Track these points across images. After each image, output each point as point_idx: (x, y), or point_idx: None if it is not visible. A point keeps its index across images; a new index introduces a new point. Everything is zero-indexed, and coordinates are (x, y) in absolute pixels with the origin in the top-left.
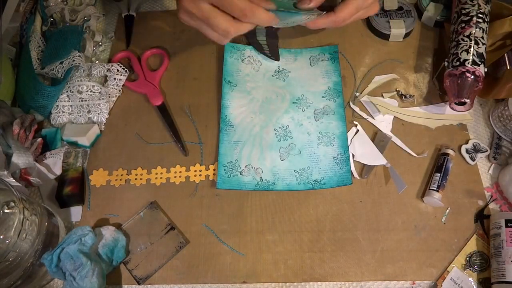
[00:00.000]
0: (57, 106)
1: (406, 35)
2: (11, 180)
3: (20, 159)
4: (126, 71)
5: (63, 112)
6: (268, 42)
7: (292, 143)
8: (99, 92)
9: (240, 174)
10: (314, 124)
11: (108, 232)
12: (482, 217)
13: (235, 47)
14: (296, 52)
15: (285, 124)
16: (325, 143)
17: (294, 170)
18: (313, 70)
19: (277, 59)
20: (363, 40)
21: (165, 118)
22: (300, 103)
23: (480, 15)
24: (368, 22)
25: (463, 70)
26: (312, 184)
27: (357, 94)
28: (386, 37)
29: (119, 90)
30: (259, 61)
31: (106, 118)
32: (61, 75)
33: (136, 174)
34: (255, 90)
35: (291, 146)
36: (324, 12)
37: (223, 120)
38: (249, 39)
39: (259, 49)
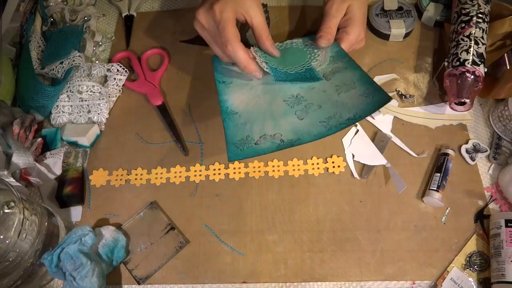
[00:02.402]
0: (57, 106)
1: (406, 35)
2: (11, 180)
3: (20, 159)
4: (126, 71)
5: (63, 112)
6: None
7: (308, 103)
8: (99, 92)
9: (255, 144)
10: (326, 83)
11: (108, 232)
12: (482, 217)
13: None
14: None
15: (295, 93)
16: (346, 90)
17: (319, 121)
18: (310, 50)
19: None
20: None
21: (165, 118)
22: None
23: (480, 15)
24: (368, 22)
25: (463, 70)
26: (345, 123)
27: None
28: (386, 37)
29: (119, 90)
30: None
31: (106, 118)
32: (61, 75)
33: (136, 174)
34: (253, 80)
35: (308, 105)
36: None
37: (224, 111)
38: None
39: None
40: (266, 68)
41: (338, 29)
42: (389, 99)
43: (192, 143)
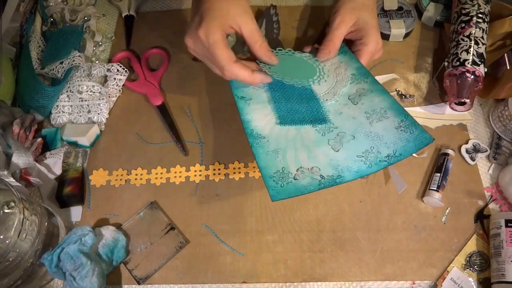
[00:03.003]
0: (57, 106)
1: (406, 35)
2: (11, 180)
3: (20, 159)
4: (126, 71)
5: (63, 112)
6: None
7: (341, 132)
8: (99, 92)
9: (295, 179)
10: (354, 108)
11: (108, 232)
12: (482, 217)
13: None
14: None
15: None
16: (378, 119)
17: (357, 156)
18: (328, 66)
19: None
20: None
21: (165, 118)
22: (329, 95)
23: (480, 15)
24: None
25: (463, 70)
26: (386, 160)
27: None
28: (386, 37)
29: (119, 90)
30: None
31: (106, 118)
32: (61, 75)
33: (136, 174)
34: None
35: (341, 134)
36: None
37: (250, 135)
38: None
39: None
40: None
41: (353, 42)
42: (432, 140)
43: (192, 143)
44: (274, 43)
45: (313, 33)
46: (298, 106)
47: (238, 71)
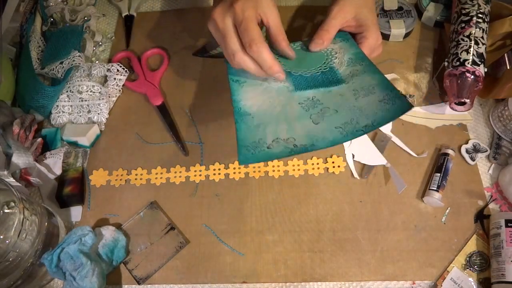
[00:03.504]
0: (57, 106)
1: (406, 35)
2: (11, 180)
3: (20, 159)
4: (126, 71)
5: (63, 112)
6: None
7: (324, 107)
8: (99, 92)
9: (268, 148)
10: (344, 87)
11: (108, 232)
12: (482, 217)
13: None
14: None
15: (310, 96)
16: (364, 95)
17: (335, 127)
18: (327, 51)
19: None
20: None
21: (165, 118)
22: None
23: (480, 15)
24: None
25: (463, 70)
26: (362, 130)
27: None
28: (386, 37)
29: (119, 90)
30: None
31: (106, 118)
32: (61, 75)
33: (136, 174)
34: (268, 80)
35: (324, 109)
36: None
37: (237, 113)
38: None
39: None
40: (284, 81)
41: (354, 35)
42: (410, 106)
43: (192, 143)
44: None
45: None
46: (314, 75)
47: (265, 50)
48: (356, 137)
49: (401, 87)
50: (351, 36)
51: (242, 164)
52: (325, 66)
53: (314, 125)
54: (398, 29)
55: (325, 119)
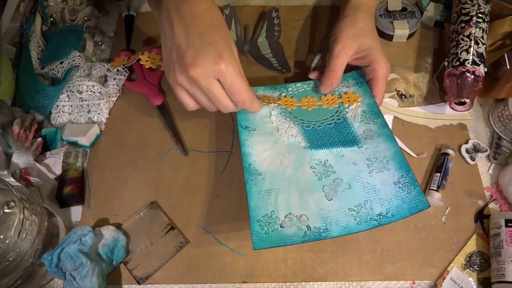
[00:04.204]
0: (57, 106)
1: (410, 36)
2: (11, 180)
3: (20, 159)
4: (126, 71)
5: (63, 112)
6: (274, 54)
7: (337, 178)
8: (99, 92)
9: (281, 227)
10: (357, 151)
11: (108, 232)
12: (482, 217)
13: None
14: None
15: (322, 159)
16: (378, 169)
17: (349, 208)
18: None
19: (288, 70)
20: None
21: (165, 118)
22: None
23: (480, 15)
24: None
25: (463, 70)
26: (376, 220)
27: None
28: (389, 37)
29: (119, 90)
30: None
31: (106, 118)
32: (61, 75)
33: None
34: (280, 130)
35: (337, 181)
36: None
37: (247, 169)
38: (254, 55)
39: (267, 65)
40: (296, 135)
41: (364, 68)
42: (427, 206)
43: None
44: (274, 45)
45: (313, 33)
46: (327, 129)
47: (258, 104)
48: (369, 228)
49: (401, 87)
50: (365, 80)
51: (256, 249)
52: (338, 117)
53: (327, 201)
54: (401, 30)
55: (338, 195)
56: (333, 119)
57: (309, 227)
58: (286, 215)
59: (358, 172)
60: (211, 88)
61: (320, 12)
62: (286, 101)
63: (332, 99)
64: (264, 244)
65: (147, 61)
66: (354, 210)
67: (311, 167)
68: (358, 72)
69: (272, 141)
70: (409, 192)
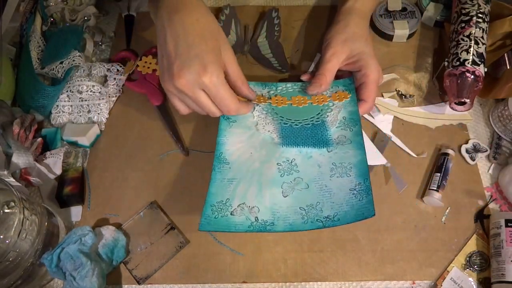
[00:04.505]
0: (57, 106)
1: (410, 36)
2: (11, 180)
3: (20, 159)
4: None
5: (63, 112)
6: (274, 54)
7: (298, 177)
8: (99, 92)
9: (231, 214)
10: (326, 155)
11: (108, 232)
12: (482, 217)
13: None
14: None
15: (290, 158)
16: (339, 174)
17: (300, 207)
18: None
19: (287, 70)
20: None
21: (165, 118)
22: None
23: (480, 15)
24: (371, 23)
25: (463, 70)
26: (322, 222)
27: None
28: (389, 37)
29: (119, 90)
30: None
31: (106, 118)
32: (61, 75)
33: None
34: (258, 125)
35: (297, 180)
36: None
37: (217, 157)
38: (254, 55)
39: (267, 65)
40: (272, 131)
41: (355, 73)
42: (372, 215)
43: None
44: (274, 45)
45: (313, 33)
46: (303, 128)
47: (243, 108)
48: (313, 228)
49: (401, 87)
50: (354, 88)
51: (202, 230)
52: (317, 119)
53: (282, 197)
54: (401, 30)
55: (294, 193)
56: (312, 121)
57: (257, 218)
58: (239, 204)
59: (320, 175)
60: (197, 97)
61: (320, 12)
62: (276, 100)
63: (322, 98)
64: (210, 227)
65: (143, 66)
66: (305, 210)
67: (277, 163)
68: (350, 79)
69: (249, 135)
70: (361, 199)
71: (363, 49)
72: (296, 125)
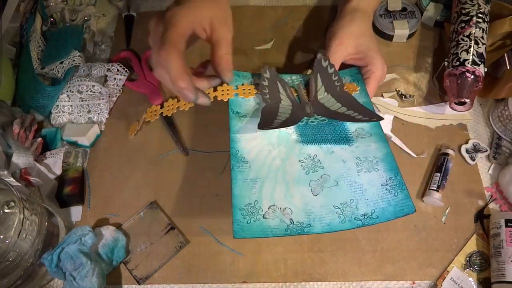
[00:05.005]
0: (57, 106)
1: (410, 36)
2: (11, 180)
3: (20, 159)
4: (126, 71)
5: (63, 112)
6: (349, 106)
7: (325, 174)
8: (99, 92)
9: (264, 217)
10: (348, 149)
11: (108, 232)
12: (482, 217)
13: (240, 75)
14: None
15: (311, 154)
16: (367, 169)
17: (334, 206)
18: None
19: (378, 117)
20: None
21: (165, 118)
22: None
23: (480, 15)
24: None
25: (463, 70)
26: (361, 220)
27: None
28: (389, 37)
29: (119, 90)
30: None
31: (106, 118)
32: (61, 75)
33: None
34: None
35: (324, 177)
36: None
37: (234, 155)
38: (322, 113)
39: (346, 119)
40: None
41: (359, 68)
42: (413, 211)
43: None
44: (342, 97)
45: (313, 32)
46: (320, 125)
47: (172, 55)
48: (353, 228)
49: (401, 87)
50: (361, 78)
51: (236, 238)
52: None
53: (313, 196)
54: (401, 30)
55: (324, 191)
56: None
57: (292, 220)
58: (270, 206)
59: (347, 170)
60: (160, 74)
61: (320, 12)
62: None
63: None
64: (245, 234)
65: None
66: (339, 208)
67: (299, 160)
68: (356, 68)
69: (263, 131)
70: (396, 195)
71: (369, 45)
72: (312, 121)
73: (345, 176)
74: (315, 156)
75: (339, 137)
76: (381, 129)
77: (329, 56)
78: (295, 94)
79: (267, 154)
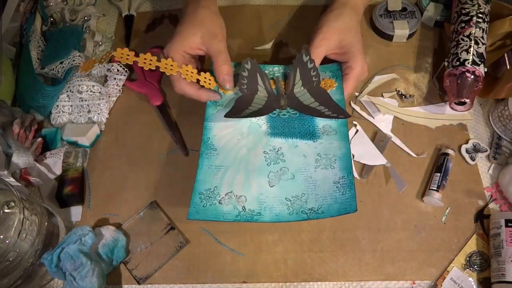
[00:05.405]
0: (57, 106)
1: (410, 36)
2: (11, 180)
3: (20, 159)
4: (126, 71)
5: (63, 112)
6: (321, 102)
7: (285, 167)
8: (99, 92)
9: (219, 203)
10: (311, 145)
11: (108, 232)
12: (482, 217)
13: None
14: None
15: (277, 146)
16: (324, 166)
17: (286, 198)
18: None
19: (348, 115)
20: (365, 41)
21: (165, 118)
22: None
23: (480, 15)
24: (371, 23)
25: (463, 70)
26: (306, 213)
27: (357, 93)
28: (389, 37)
29: (119, 90)
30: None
31: (106, 118)
32: (61, 75)
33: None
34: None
35: (283, 170)
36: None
37: (204, 143)
38: (295, 107)
39: (317, 114)
40: (260, 118)
41: (340, 64)
42: (354, 210)
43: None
44: (316, 92)
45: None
46: (291, 118)
47: (185, 86)
48: (298, 220)
49: (401, 87)
50: (341, 75)
51: (190, 219)
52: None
53: (269, 187)
54: (401, 30)
55: (281, 183)
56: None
57: (245, 208)
58: (227, 193)
59: (305, 165)
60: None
61: (320, 12)
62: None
63: None
64: (198, 216)
65: (144, 63)
66: (290, 201)
67: (264, 151)
68: (338, 64)
69: (236, 120)
70: (343, 193)
71: (352, 41)
72: (284, 114)
73: (303, 171)
74: (279, 148)
75: (306, 132)
76: (347, 128)
77: (311, 50)
78: (273, 86)
79: (236, 143)
